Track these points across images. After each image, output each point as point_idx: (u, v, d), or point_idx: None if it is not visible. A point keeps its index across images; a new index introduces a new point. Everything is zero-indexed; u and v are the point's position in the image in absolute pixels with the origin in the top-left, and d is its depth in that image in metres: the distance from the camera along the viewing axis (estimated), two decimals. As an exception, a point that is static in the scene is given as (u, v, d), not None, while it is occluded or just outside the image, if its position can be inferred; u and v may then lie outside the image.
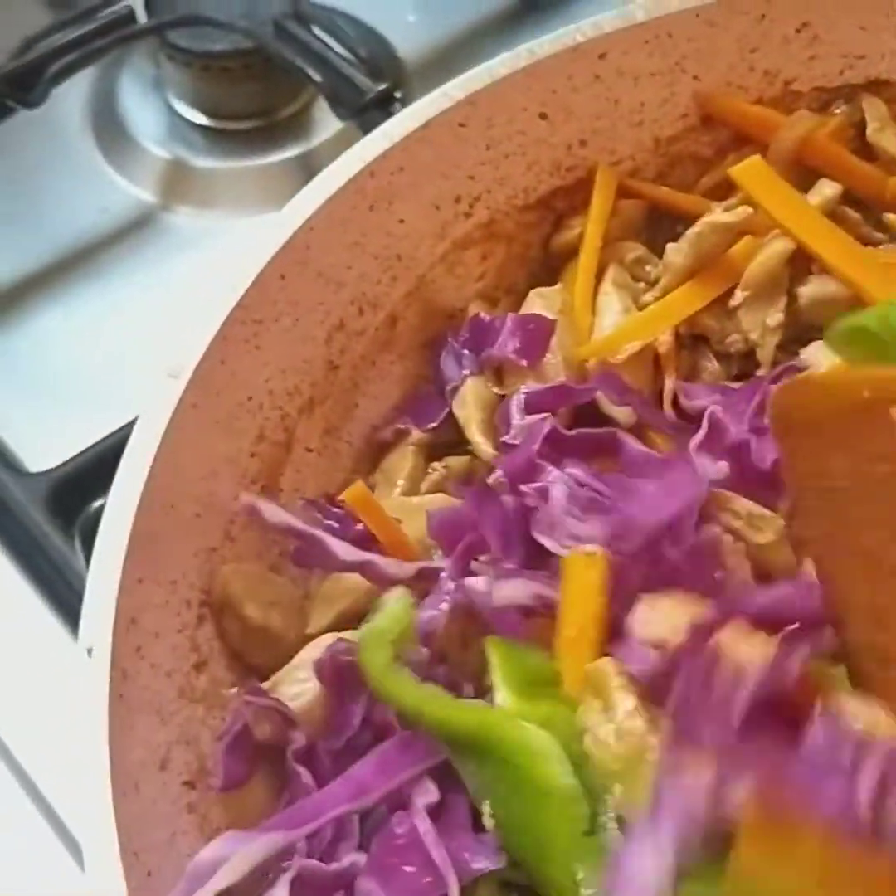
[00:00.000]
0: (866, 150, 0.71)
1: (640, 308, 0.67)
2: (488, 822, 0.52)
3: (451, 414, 0.66)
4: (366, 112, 0.85)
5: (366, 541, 0.61)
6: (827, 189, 0.69)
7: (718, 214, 0.66)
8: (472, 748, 0.53)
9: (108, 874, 0.48)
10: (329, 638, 0.59)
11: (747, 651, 0.48)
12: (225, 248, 0.87)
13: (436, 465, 0.66)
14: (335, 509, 0.63)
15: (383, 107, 0.85)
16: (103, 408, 0.75)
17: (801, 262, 0.67)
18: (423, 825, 0.53)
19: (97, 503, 0.71)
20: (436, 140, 0.66)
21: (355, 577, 0.60)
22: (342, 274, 0.65)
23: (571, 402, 0.63)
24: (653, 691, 0.52)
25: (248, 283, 0.60)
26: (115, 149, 0.93)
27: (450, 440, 0.66)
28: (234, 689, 0.58)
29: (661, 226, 0.72)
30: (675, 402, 0.65)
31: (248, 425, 0.62)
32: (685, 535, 0.56)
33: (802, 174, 0.70)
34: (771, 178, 0.67)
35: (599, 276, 0.68)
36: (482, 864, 0.52)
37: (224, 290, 0.60)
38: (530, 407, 0.62)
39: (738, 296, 0.66)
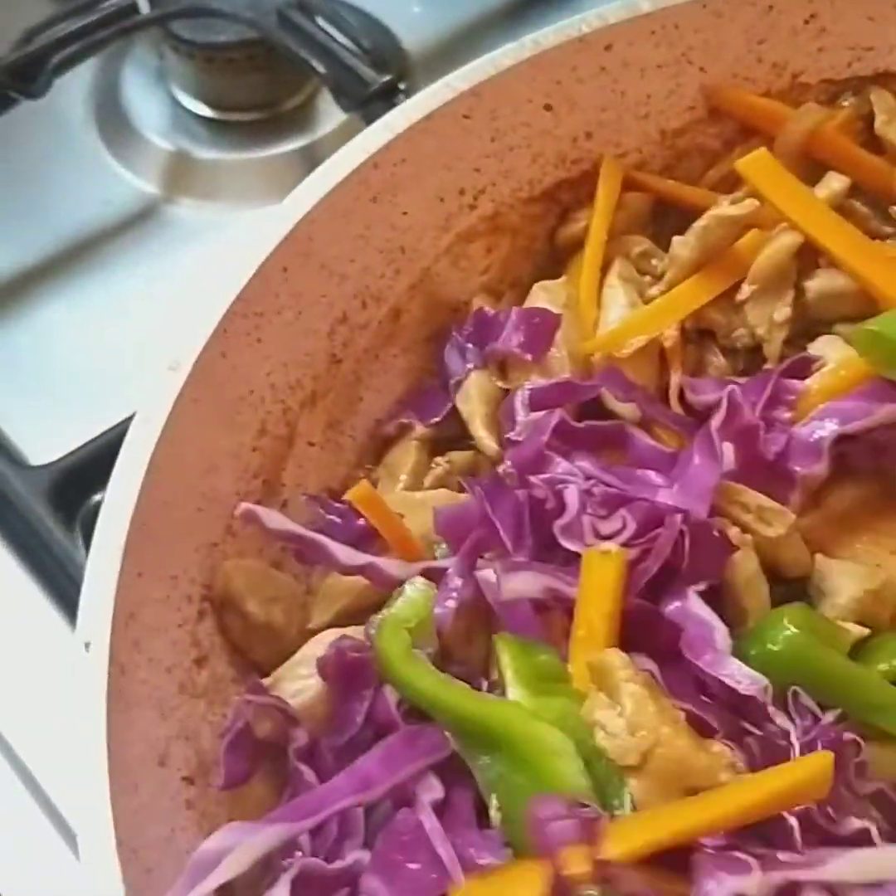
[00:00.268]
0: (874, 143, 0.71)
1: (646, 302, 0.67)
2: (495, 816, 0.52)
3: (454, 408, 0.66)
4: (370, 103, 0.84)
5: (368, 536, 0.61)
6: (835, 183, 0.68)
7: (725, 207, 0.66)
8: (484, 740, 0.52)
9: (105, 871, 0.47)
10: (332, 634, 0.59)
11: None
12: (229, 240, 0.86)
13: (439, 459, 0.65)
14: (337, 505, 0.63)
15: (387, 98, 0.84)
16: (106, 401, 0.75)
17: (808, 256, 0.66)
18: (429, 822, 0.52)
19: (99, 496, 0.70)
20: (439, 131, 0.65)
21: (357, 574, 0.60)
22: (345, 266, 0.64)
23: (576, 398, 0.63)
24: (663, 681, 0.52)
25: (250, 276, 0.60)
26: (118, 140, 0.93)
27: (453, 435, 0.66)
28: (240, 696, 0.58)
29: (667, 220, 0.71)
30: (680, 397, 0.64)
31: (249, 419, 0.62)
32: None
33: (810, 167, 0.69)
34: (777, 171, 0.66)
35: (605, 270, 0.68)
36: (487, 859, 0.51)
37: (224, 283, 0.60)
38: (535, 403, 0.62)
39: (745, 290, 0.65)
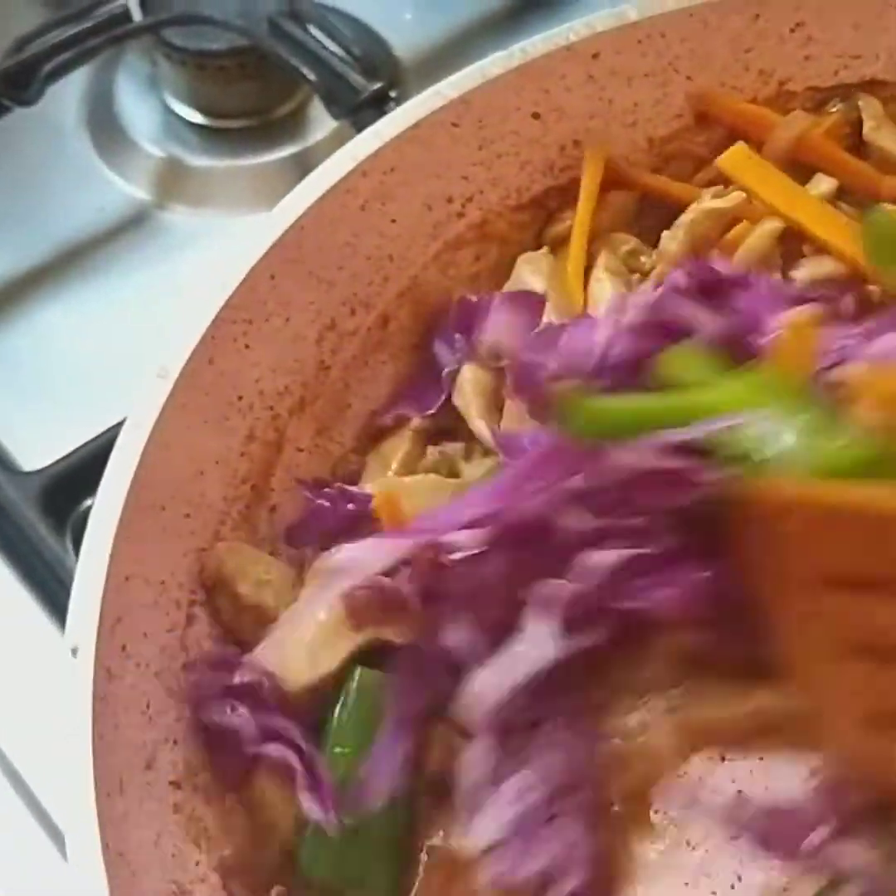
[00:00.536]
0: (861, 149, 0.71)
1: (635, 294, 0.67)
2: None
3: (447, 401, 0.66)
4: (361, 111, 0.84)
5: (356, 521, 0.61)
6: (823, 184, 0.69)
7: (710, 200, 0.67)
8: None
9: (91, 874, 0.48)
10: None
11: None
12: (221, 246, 0.86)
13: (432, 449, 0.66)
14: (327, 490, 0.63)
15: (378, 106, 0.84)
16: (97, 406, 0.75)
17: (793, 245, 0.66)
18: None
19: (89, 502, 0.70)
20: (428, 140, 0.66)
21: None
22: (334, 274, 0.65)
23: None
24: None
25: (238, 283, 0.60)
26: (111, 147, 0.93)
27: (446, 427, 0.66)
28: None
29: (653, 219, 0.71)
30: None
31: (238, 425, 0.62)
32: None
33: (797, 173, 0.70)
34: (758, 163, 0.67)
35: (591, 262, 0.68)
36: None
37: (213, 289, 0.60)
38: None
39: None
